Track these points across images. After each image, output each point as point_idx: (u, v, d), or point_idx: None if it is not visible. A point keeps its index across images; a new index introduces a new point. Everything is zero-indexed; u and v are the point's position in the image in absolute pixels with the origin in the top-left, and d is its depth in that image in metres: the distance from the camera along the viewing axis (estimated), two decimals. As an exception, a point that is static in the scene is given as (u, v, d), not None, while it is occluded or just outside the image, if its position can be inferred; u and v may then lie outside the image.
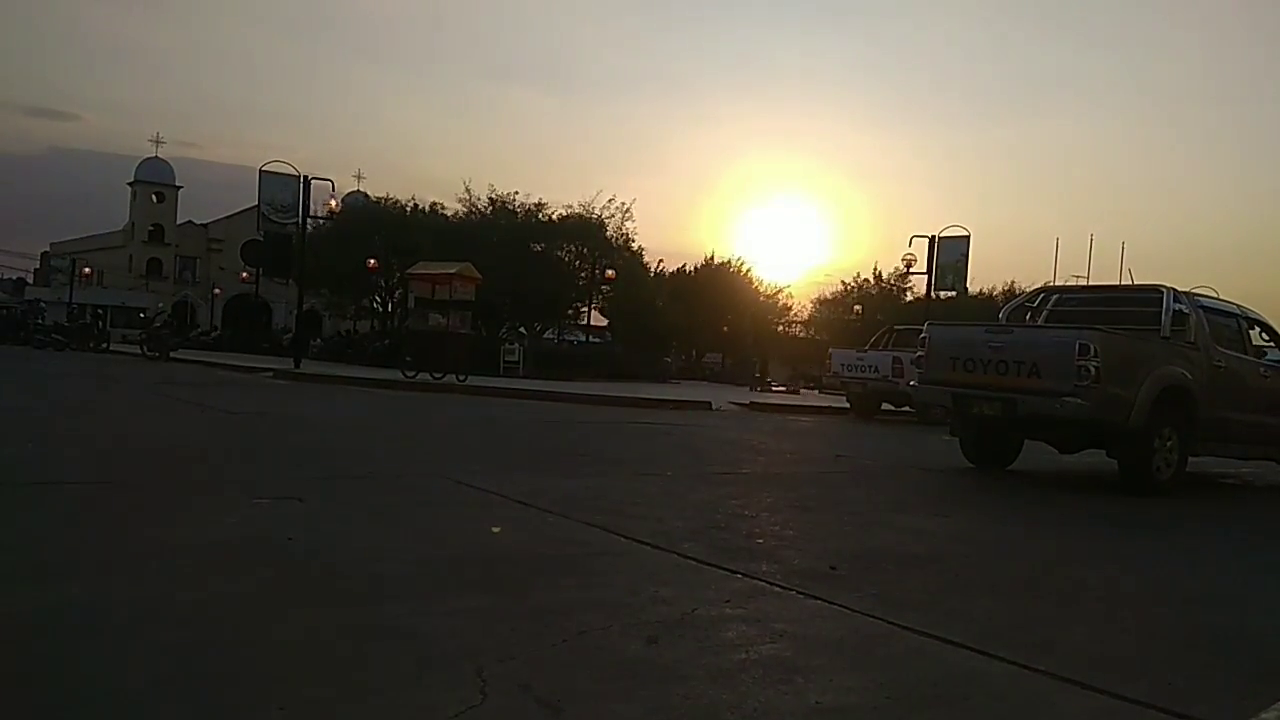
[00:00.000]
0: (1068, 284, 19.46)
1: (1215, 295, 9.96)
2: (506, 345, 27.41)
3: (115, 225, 64.41)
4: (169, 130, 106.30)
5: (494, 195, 33.11)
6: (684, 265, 47.01)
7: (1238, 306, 9.54)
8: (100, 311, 48.92)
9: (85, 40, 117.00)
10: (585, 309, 34.32)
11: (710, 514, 5.52)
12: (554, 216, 32.92)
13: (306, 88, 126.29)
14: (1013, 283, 44.24)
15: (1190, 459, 8.49)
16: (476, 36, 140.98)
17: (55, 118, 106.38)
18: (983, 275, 52.69)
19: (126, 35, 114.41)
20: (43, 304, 40.37)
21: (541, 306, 31.86)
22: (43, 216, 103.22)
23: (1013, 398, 8.07)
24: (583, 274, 32.74)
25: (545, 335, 35.37)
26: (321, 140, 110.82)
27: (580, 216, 32.70)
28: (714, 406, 17.94)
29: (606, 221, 32.90)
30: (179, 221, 63.59)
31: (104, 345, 29.89)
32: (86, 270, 54.92)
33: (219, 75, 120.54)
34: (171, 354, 24.82)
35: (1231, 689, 2.96)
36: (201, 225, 64.13)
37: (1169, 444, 8.08)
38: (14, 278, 59.83)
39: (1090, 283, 22.05)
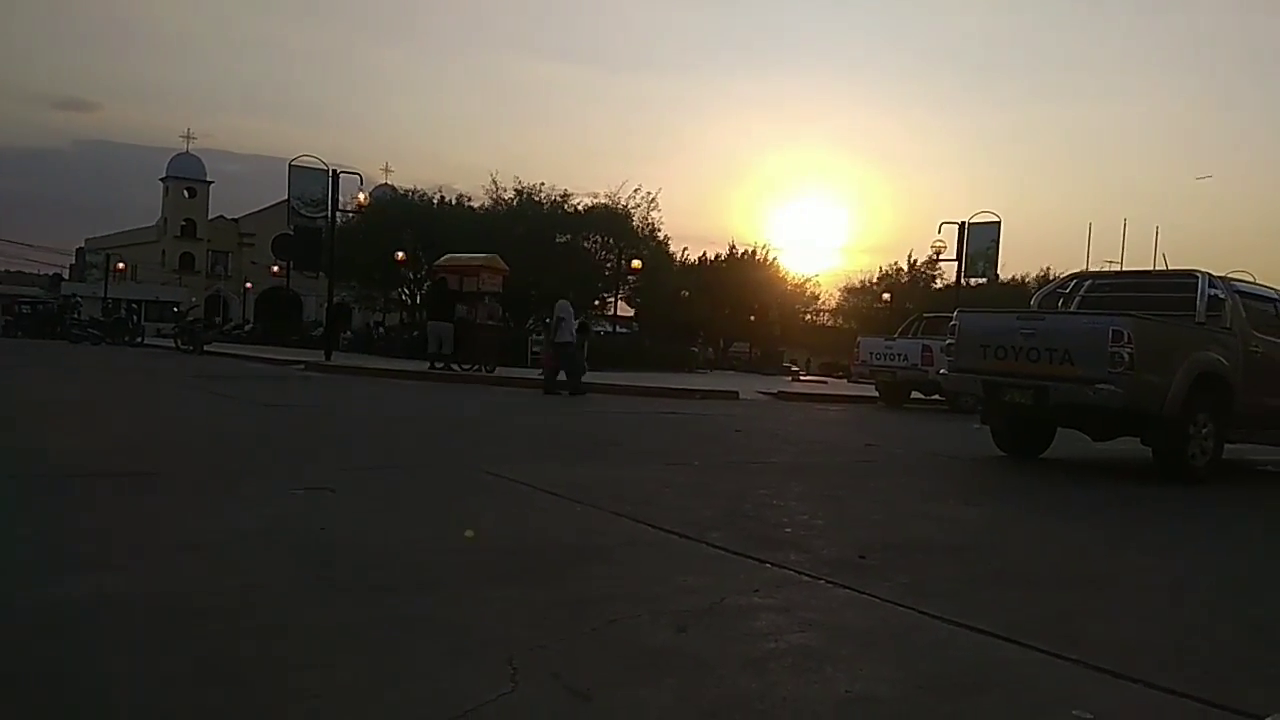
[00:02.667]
0: (1101, 270, 19.20)
1: (1252, 280, 9.79)
2: (534, 336, 27.49)
3: (146, 215, 65.32)
4: (191, 116, 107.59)
5: (520, 187, 33.26)
6: (705, 254, 46.76)
7: (1275, 291, 9.38)
8: (134, 306, 49.54)
9: (101, 27, 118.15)
10: (611, 300, 34.34)
11: (738, 503, 5.51)
12: (580, 207, 33.00)
13: (329, 74, 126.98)
14: (1045, 269, 43.79)
15: (1226, 446, 8.36)
16: (502, 14, 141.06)
17: (79, 108, 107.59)
18: (1014, 262, 51.99)
19: (144, 21, 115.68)
20: (78, 299, 41.04)
21: (568, 297, 31.89)
22: (74, 210, 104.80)
23: (1045, 385, 7.99)
24: (609, 264, 32.76)
25: (572, 326, 35.40)
26: (346, 128, 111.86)
27: (606, 207, 32.74)
28: (741, 396, 17.90)
29: (632, 211, 32.95)
30: (210, 216, 64.32)
31: (138, 339, 30.32)
32: (120, 265, 55.66)
33: (240, 60, 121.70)
34: (205, 347, 25.15)
35: (1266, 679, 2.92)
36: (233, 220, 64.82)
37: (1204, 431, 7.96)
38: (50, 273, 60.77)
39: (1124, 268, 21.74)
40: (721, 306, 42.44)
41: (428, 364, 18.79)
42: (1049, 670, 2.81)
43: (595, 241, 32.99)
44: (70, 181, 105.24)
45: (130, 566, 3.42)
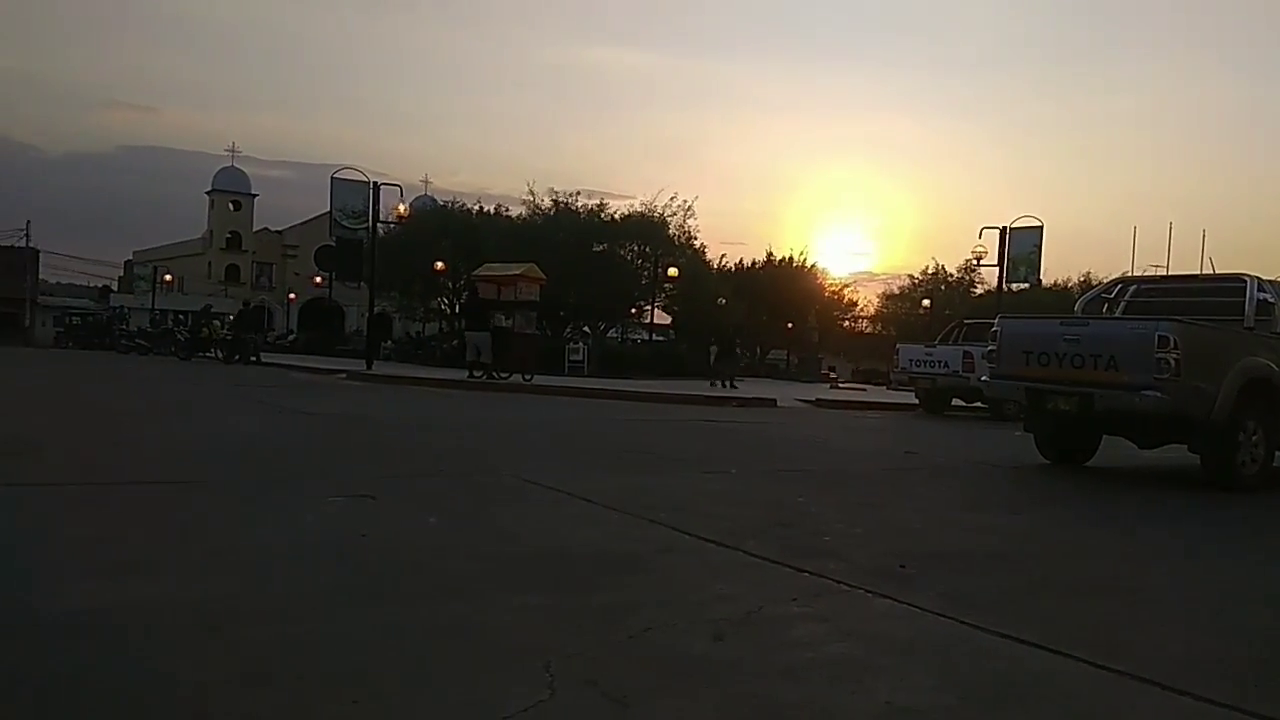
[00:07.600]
0: (1146, 274, 18.85)
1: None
2: (571, 345, 27.60)
3: (191, 220, 66.46)
4: (235, 120, 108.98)
5: (556, 196, 33.48)
6: (742, 260, 46.68)
7: (1326, 295, 9.14)
8: (181, 317, 50.56)
9: (145, 27, 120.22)
10: (648, 308, 34.36)
11: (776, 512, 5.48)
12: (616, 216, 33.10)
13: (370, 72, 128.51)
14: (1088, 274, 43.11)
15: (1278, 454, 8.17)
16: (536, 12, 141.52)
17: (124, 109, 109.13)
18: (1056, 266, 51.14)
19: (186, 21, 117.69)
20: (126, 310, 41.95)
21: (605, 306, 32.01)
22: (120, 216, 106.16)
23: (1089, 392, 7.85)
24: (645, 273, 32.81)
25: (609, 335, 35.53)
26: (386, 127, 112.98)
27: (642, 215, 32.80)
28: (779, 404, 17.82)
29: (669, 219, 32.97)
30: (255, 228, 65.48)
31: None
32: (168, 277, 56.84)
33: (282, 61, 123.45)
34: (250, 358, 25.54)
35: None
36: (277, 232, 65.93)
37: (1254, 438, 7.78)
38: (100, 285, 62.08)
39: (1170, 272, 21.32)
40: (758, 313, 42.24)
41: (466, 373, 18.94)
42: (1094, 681, 2.76)
43: (631, 250, 33.07)
44: (117, 187, 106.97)
45: (170, 574, 3.48)
